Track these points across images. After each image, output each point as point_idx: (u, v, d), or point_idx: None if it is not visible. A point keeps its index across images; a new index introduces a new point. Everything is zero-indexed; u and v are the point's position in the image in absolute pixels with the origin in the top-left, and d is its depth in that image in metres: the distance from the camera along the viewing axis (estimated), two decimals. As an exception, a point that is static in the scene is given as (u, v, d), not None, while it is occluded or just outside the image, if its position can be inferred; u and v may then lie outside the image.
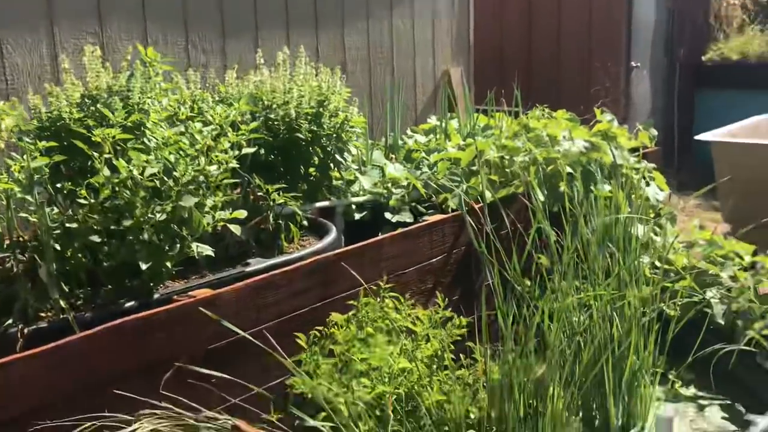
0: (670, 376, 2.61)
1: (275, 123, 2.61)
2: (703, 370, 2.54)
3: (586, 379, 2.23)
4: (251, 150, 2.34)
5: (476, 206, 2.68)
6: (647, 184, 3.31)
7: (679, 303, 2.68)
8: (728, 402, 2.52)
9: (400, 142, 3.61)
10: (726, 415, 2.46)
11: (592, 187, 3.03)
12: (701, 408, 2.52)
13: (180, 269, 2.12)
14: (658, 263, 2.97)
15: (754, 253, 3.04)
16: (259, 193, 2.43)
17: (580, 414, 2.28)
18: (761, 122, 5.04)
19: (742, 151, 4.37)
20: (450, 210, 2.80)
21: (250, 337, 1.82)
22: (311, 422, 1.68)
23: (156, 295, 1.98)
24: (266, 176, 2.52)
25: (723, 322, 2.63)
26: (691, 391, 2.62)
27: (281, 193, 2.45)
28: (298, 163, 2.69)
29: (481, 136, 3.59)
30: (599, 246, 2.47)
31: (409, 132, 3.91)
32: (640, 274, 2.53)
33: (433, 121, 3.97)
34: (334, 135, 2.69)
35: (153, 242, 1.93)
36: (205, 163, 2.07)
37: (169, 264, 1.97)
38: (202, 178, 2.07)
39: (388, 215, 2.85)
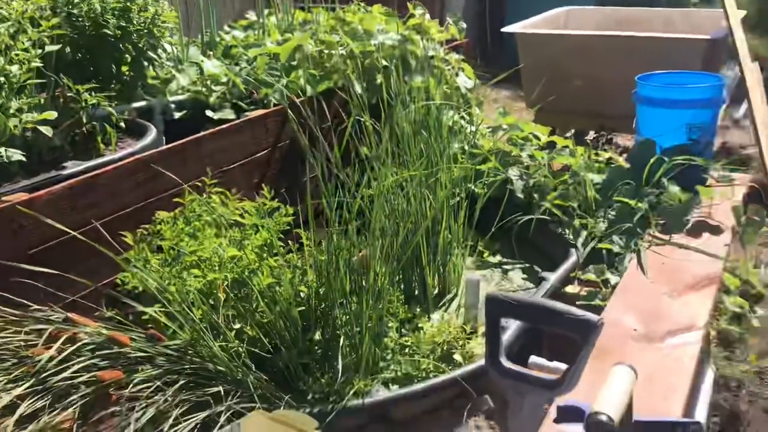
0: (479, 247, 2.89)
1: (79, 19, 2.48)
2: (507, 241, 2.85)
3: (405, 254, 2.43)
4: (55, 48, 2.23)
5: (297, 100, 2.74)
6: (457, 75, 3.51)
7: (486, 182, 2.95)
8: (527, 265, 2.85)
9: (217, 38, 3.54)
10: (525, 276, 2.79)
11: (407, 79, 3.17)
12: (505, 272, 2.83)
13: (-11, 177, 2.04)
14: (467, 147, 3.21)
15: (550, 134, 3.37)
16: (70, 95, 2.33)
17: (402, 286, 2.50)
18: (561, 14, 5.40)
19: (543, 41, 4.70)
20: (272, 105, 2.84)
21: (79, 235, 1.81)
22: (147, 310, 1.73)
23: (-35, 204, 1.90)
24: (75, 76, 2.41)
25: (522, 197, 2.93)
26: (497, 258, 2.92)
27: (93, 94, 2.37)
28: (108, 62, 2.59)
29: (299, 30, 3.59)
30: (415, 133, 2.63)
31: (226, 28, 3.83)
32: (450, 157, 2.75)
33: (251, 16, 3.91)
34: (145, 31, 2.61)
35: (-45, 148, 1.83)
36: (5, 63, 1.96)
37: (-26, 170, 1.88)
38: (2, 78, 1.96)
39: (209, 113, 2.84)
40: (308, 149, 2.52)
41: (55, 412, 1.34)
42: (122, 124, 2.52)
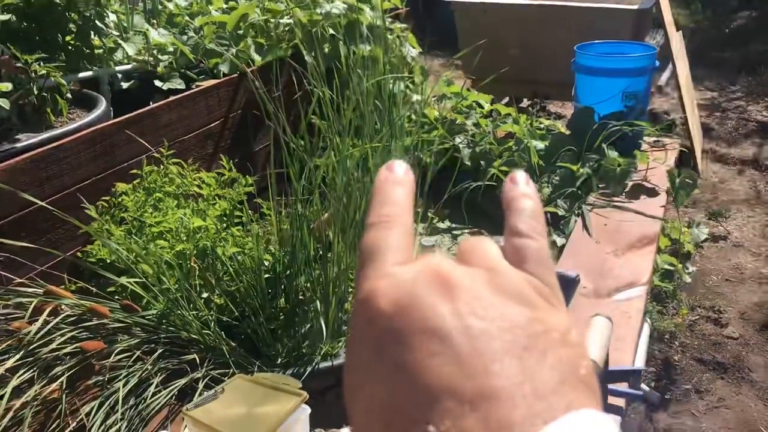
0: (429, 215, 2.99)
1: (25, -14, 2.41)
2: (457, 207, 2.95)
3: (361, 221, 2.50)
4: (5, 18, 2.17)
5: (248, 70, 2.74)
6: (401, 44, 3.57)
7: (433, 151, 3.03)
8: (476, 230, 2.97)
9: (159, 6, 3.47)
10: (475, 241, 2.91)
11: (353, 48, 3.21)
12: (455, 237, 2.94)
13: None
14: (414, 116, 3.29)
15: (492, 102, 3.47)
16: (18, 65, 2.28)
17: (358, 253, 2.57)
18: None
19: (480, 10, 4.80)
20: (222, 75, 2.83)
21: (47, 205, 1.79)
22: (121, 281, 1.75)
23: None
24: (21, 46, 2.35)
25: (469, 164, 3.03)
26: (446, 224, 3.03)
27: (42, 64, 2.32)
28: (55, 31, 2.53)
29: (242, -1, 3.57)
30: (367, 104, 2.68)
31: (166, -5, 3.76)
32: (402, 127, 2.81)
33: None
34: (92, -1, 2.56)
35: None
36: (-44, 33, 1.90)
37: (-71, 144, 1.83)
38: (-47, 49, 1.91)
39: (158, 83, 2.81)
40: (260, 119, 2.53)
41: (43, 383, 1.36)
42: (69, 95, 2.47)
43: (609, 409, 1.49)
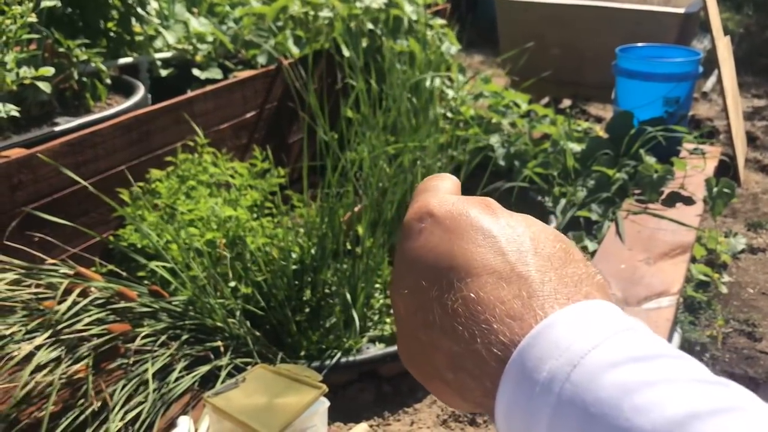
0: (461, 213, 2.97)
1: (70, -27, 2.45)
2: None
3: (393, 219, 2.50)
4: (51, 3, 2.21)
5: (285, 62, 2.75)
6: (440, 40, 3.55)
7: (468, 149, 3.02)
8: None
9: (200, -5, 3.50)
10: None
11: (392, 43, 3.20)
12: (486, 237, 2.92)
13: (-19, 131, 2.03)
14: (449, 114, 3.27)
15: (530, 102, 3.44)
16: (60, 50, 2.32)
17: (387, 249, 2.56)
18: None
19: (522, 8, 4.75)
20: (259, 66, 2.85)
21: (89, 186, 1.82)
22: (151, 266, 1.77)
23: (-38, 158, 1.90)
24: (64, 31, 2.39)
25: (504, 164, 3.01)
26: (478, 224, 3.00)
27: (84, 49, 2.36)
28: (97, 17, 2.57)
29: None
30: (404, 99, 2.68)
31: (208, -15, 3.79)
32: (436, 123, 2.80)
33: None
34: (136, -14, 2.59)
35: (-48, 102, 1.83)
36: (3, 18, 1.94)
37: (-28, 125, 1.88)
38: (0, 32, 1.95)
39: (196, 72, 2.84)
40: (295, 111, 2.54)
41: (69, 362, 1.39)
42: (108, 81, 2.51)
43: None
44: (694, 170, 2.78)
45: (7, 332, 1.34)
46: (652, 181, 2.59)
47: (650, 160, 2.67)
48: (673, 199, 2.60)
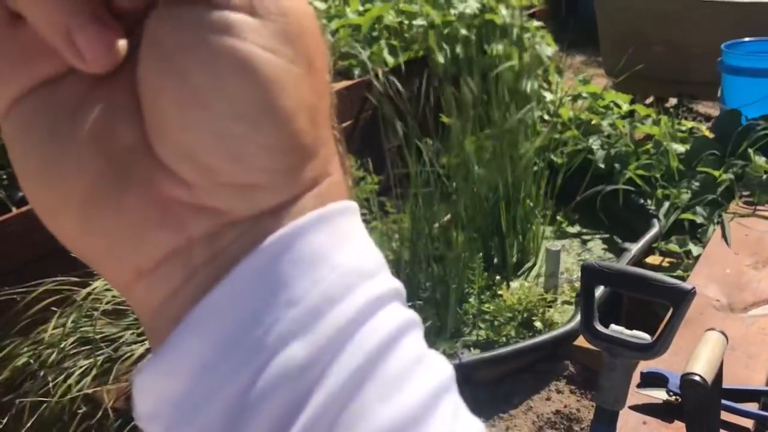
0: (558, 218, 2.92)
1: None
2: (587, 211, 2.86)
3: (486, 222, 2.50)
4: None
5: (380, 72, 2.81)
6: (537, 42, 3.51)
7: (566, 152, 2.97)
8: (607, 236, 2.87)
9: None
10: (605, 247, 2.81)
11: (486, 48, 3.20)
12: (584, 242, 2.86)
13: None
14: (547, 116, 3.23)
15: (631, 102, 3.35)
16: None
17: (481, 254, 2.56)
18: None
19: (623, 5, 4.62)
20: (355, 76, 2.92)
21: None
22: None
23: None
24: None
25: (603, 167, 2.94)
26: (576, 229, 2.95)
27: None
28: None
29: (379, 0, 3.65)
30: (499, 103, 2.68)
31: (307, -1, 3.91)
32: (532, 126, 2.78)
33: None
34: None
35: None
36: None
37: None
38: None
39: (295, 84, 2.93)
40: (391, 119, 2.59)
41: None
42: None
43: (732, 429, 1.41)
44: (810, 170, 2.63)
45: (119, 335, 1.44)
46: (761, 182, 2.47)
47: (760, 160, 2.54)
48: (786, 200, 2.47)
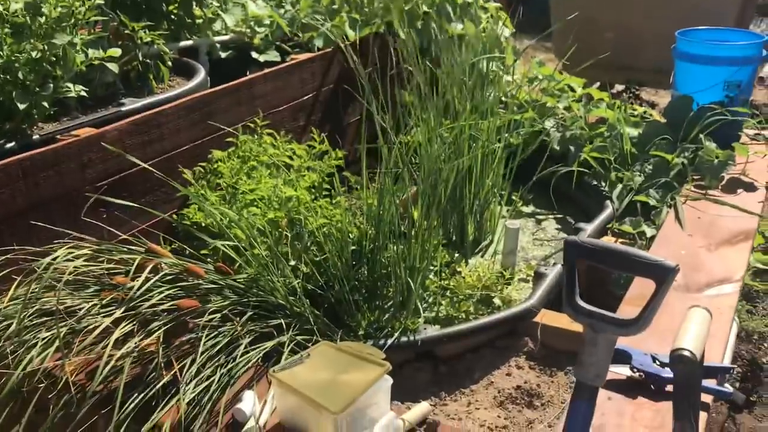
0: (514, 197, 2.95)
1: (134, -44, 2.50)
2: (541, 192, 2.90)
3: (446, 201, 2.50)
4: (117, -15, 2.26)
5: (342, 45, 2.76)
6: (495, 23, 3.52)
7: (522, 133, 2.99)
8: (560, 216, 2.92)
9: (257, -21, 3.54)
10: (559, 227, 2.86)
11: (446, 26, 3.19)
12: (539, 222, 2.90)
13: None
14: (503, 98, 3.25)
15: (584, 87, 3.40)
16: (126, 32, 2.37)
17: (440, 231, 2.57)
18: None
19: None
20: (316, 49, 2.87)
21: (152, 168, 1.86)
22: (218, 245, 1.81)
23: (35, 137, 1.96)
24: (129, 14, 2.44)
25: (558, 148, 2.98)
26: (531, 209, 2.99)
27: (147, 32, 2.41)
28: (159, 1, 2.61)
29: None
30: (459, 82, 2.67)
31: (263, -32, 3.82)
32: (491, 107, 2.79)
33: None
34: (196, -30, 2.63)
35: (26, 82, 1.88)
36: (73, 1, 1.99)
37: (46, 104, 1.94)
38: (69, 15, 2.00)
39: (254, 54, 2.87)
40: (351, 93, 2.55)
41: (141, 337, 1.43)
42: (170, 63, 2.56)
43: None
44: (756, 156, 2.72)
45: (82, 307, 1.39)
46: (713, 166, 2.55)
47: (711, 145, 2.62)
48: (734, 185, 2.55)
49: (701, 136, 2.69)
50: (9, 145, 1.89)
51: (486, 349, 2.12)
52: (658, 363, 1.65)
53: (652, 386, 1.60)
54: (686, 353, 0.94)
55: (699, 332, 0.99)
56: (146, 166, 1.84)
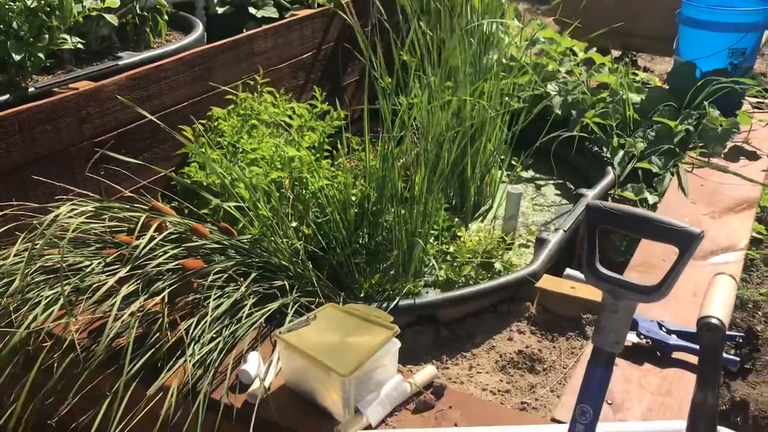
0: (513, 162, 2.92)
1: None
2: (541, 157, 2.88)
3: (449, 164, 2.47)
4: (114, -66, 2.18)
5: (343, 1, 2.69)
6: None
7: (523, 96, 2.95)
8: (560, 181, 2.90)
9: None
10: (559, 192, 2.84)
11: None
12: (539, 188, 2.88)
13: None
14: (504, 60, 3.20)
15: (586, 50, 3.35)
16: (122, -18, 2.30)
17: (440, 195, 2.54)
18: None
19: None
20: (316, 5, 2.80)
21: (158, 121, 1.81)
22: (217, 202, 1.77)
23: (30, 89, 1.90)
24: (125, -36, 2.36)
25: (560, 113, 2.94)
26: (530, 174, 2.97)
27: (144, -17, 2.33)
28: (156, -49, 2.53)
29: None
30: (460, 44, 2.62)
31: None
32: (493, 69, 2.74)
33: None
34: None
35: (21, 32, 1.82)
36: (69, -54, 1.92)
37: (41, 55, 1.87)
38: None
39: (252, 10, 2.80)
40: (351, 52, 2.49)
41: (146, 296, 1.40)
42: (166, 17, 2.49)
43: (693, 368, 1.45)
44: (759, 124, 2.71)
45: (85, 265, 1.35)
46: (716, 134, 2.53)
47: (715, 112, 2.60)
48: (737, 153, 2.54)
49: (705, 103, 2.66)
50: (3, 98, 1.83)
51: (487, 314, 2.11)
52: (664, 330, 1.65)
53: (658, 353, 1.60)
54: (714, 320, 0.92)
55: (726, 300, 0.97)
56: (153, 118, 1.78)
